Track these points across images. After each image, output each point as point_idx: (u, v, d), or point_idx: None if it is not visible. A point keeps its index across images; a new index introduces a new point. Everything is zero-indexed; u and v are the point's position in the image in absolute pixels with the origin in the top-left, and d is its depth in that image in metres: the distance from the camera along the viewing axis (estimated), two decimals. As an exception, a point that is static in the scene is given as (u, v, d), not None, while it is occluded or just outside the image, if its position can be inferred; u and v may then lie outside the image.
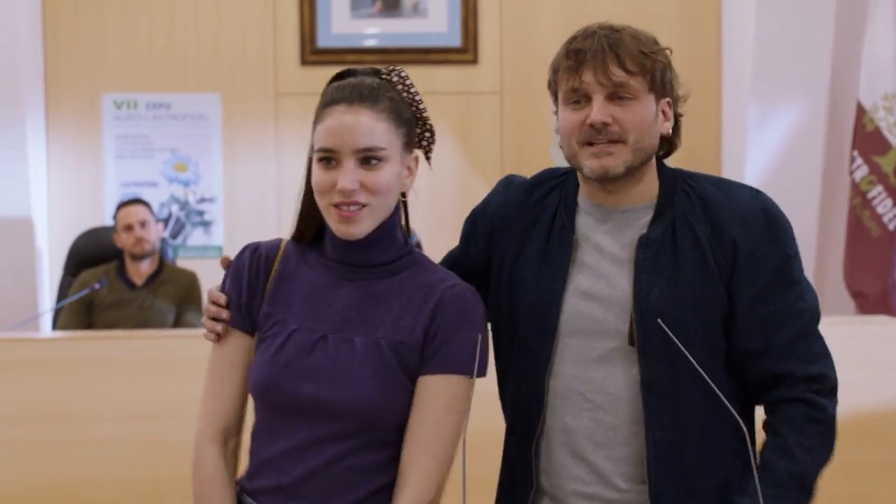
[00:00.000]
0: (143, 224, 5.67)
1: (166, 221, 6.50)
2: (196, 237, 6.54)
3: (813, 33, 6.14)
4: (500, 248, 2.44)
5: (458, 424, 2.24)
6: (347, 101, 2.22)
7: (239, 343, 2.33)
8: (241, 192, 6.54)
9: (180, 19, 6.57)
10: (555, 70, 2.32)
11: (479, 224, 2.49)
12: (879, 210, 6.00)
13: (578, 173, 2.37)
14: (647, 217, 2.32)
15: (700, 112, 6.62)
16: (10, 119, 6.12)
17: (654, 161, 2.35)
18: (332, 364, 2.24)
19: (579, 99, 2.28)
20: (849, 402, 4.21)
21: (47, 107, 6.51)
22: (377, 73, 2.33)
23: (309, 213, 2.32)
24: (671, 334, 2.21)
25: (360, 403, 2.22)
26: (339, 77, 2.33)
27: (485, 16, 6.52)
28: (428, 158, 2.39)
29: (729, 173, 6.52)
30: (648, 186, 2.34)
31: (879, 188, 5.99)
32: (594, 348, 2.30)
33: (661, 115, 2.32)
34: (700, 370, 2.18)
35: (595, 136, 2.26)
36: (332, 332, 2.27)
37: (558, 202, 2.40)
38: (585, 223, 2.36)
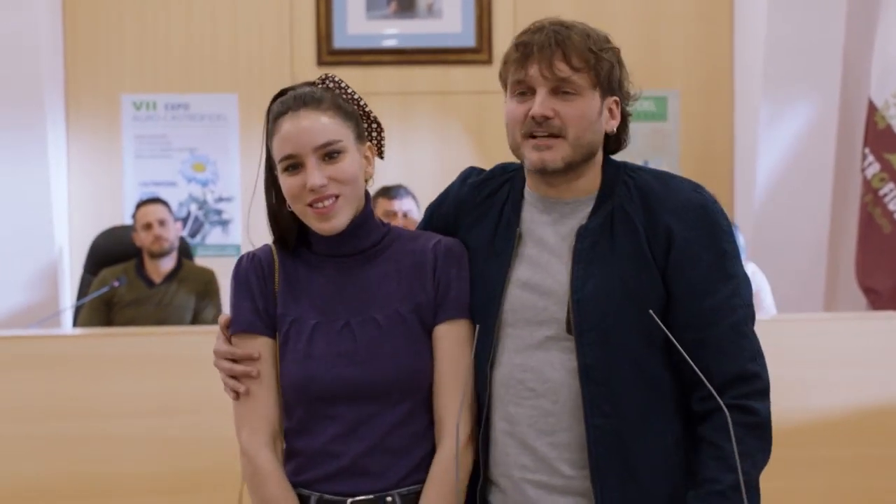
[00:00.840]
0: (161, 223, 5.72)
1: (185, 220, 6.54)
2: (214, 236, 6.57)
3: (824, 32, 6.15)
4: None
5: (471, 360, 2.37)
6: (293, 109, 2.34)
7: (267, 348, 2.40)
8: (259, 192, 6.53)
9: (198, 21, 6.61)
10: (504, 62, 2.35)
11: (435, 218, 2.55)
12: (891, 207, 6.00)
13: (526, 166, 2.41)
14: (588, 209, 2.35)
15: (713, 110, 6.65)
16: (31, 120, 6.16)
17: (598, 157, 2.37)
18: (364, 345, 2.35)
19: (524, 91, 2.31)
20: (859, 397, 4.31)
21: (67, 108, 6.56)
22: (312, 84, 2.41)
23: (282, 222, 2.41)
24: (660, 323, 2.25)
25: (401, 372, 2.34)
26: (278, 97, 2.42)
27: (499, 16, 6.55)
28: (381, 152, 2.48)
29: (741, 171, 6.57)
30: (590, 181, 2.36)
31: (891, 185, 6.00)
32: (533, 337, 2.33)
33: (606, 112, 2.35)
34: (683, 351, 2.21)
35: (536, 128, 2.29)
36: (353, 317, 2.37)
37: (506, 197, 2.44)
38: (530, 215, 2.40)
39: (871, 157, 6.05)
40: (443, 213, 2.53)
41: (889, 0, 6.03)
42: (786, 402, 4.27)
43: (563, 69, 2.28)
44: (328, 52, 6.54)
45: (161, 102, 6.58)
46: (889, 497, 4.35)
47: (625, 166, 2.40)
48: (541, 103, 2.28)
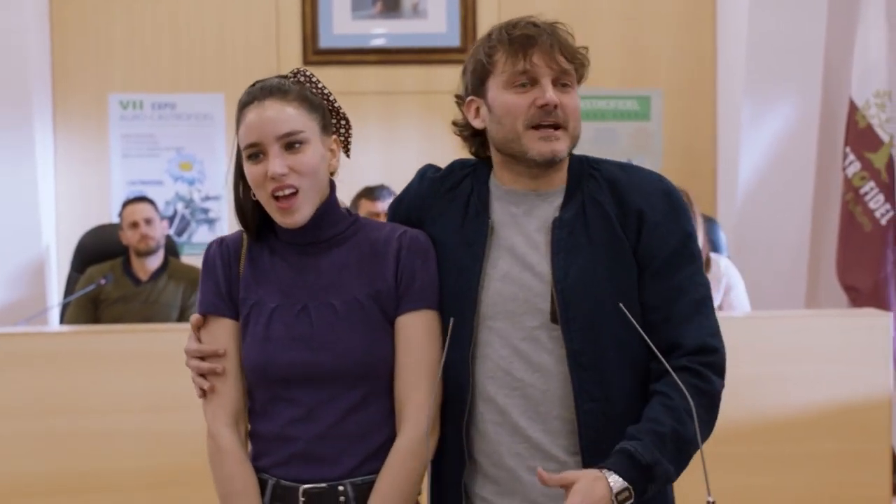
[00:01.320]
0: (148, 221, 5.73)
1: (172, 219, 6.54)
2: (201, 234, 6.56)
3: (806, 32, 6.17)
4: None
5: (438, 351, 2.41)
6: (259, 98, 2.38)
7: (229, 330, 2.45)
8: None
9: (185, 22, 6.60)
10: (489, 55, 2.39)
11: (397, 216, 2.58)
12: (871, 205, 6.03)
13: (499, 159, 2.45)
14: (558, 200, 2.42)
15: (696, 110, 6.66)
16: (18, 119, 6.16)
17: None
18: (319, 329, 2.39)
19: (526, 82, 2.36)
20: (837, 393, 4.33)
21: (55, 107, 6.55)
22: (283, 77, 2.46)
23: (247, 210, 2.45)
24: (630, 316, 2.31)
25: (355, 357, 2.38)
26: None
27: (483, 16, 6.56)
28: (347, 149, 2.53)
29: (724, 169, 6.59)
30: (562, 172, 2.44)
31: (871, 184, 6.03)
32: (518, 328, 2.38)
33: None
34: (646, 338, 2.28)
35: (545, 117, 2.35)
36: (311, 302, 2.41)
37: (470, 190, 2.49)
38: (500, 208, 2.45)
39: (851, 156, 6.08)
40: (403, 211, 2.57)
41: (869, 0, 6.05)
42: (766, 399, 4.36)
43: (563, 62, 2.36)
44: (314, 52, 6.55)
45: (148, 102, 6.58)
46: (868, 491, 4.38)
47: (587, 159, 2.48)
48: (552, 91, 2.35)
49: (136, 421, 4.17)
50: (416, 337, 2.41)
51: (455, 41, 6.57)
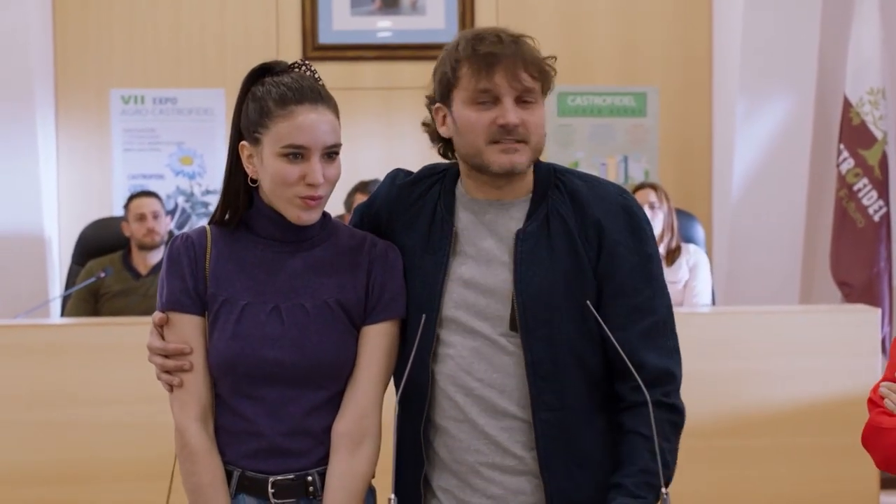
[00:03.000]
0: (155, 216, 5.75)
1: (172, 213, 6.54)
2: (201, 229, 6.54)
3: (800, 29, 6.19)
4: None
5: (393, 359, 2.49)
6: (311, 101, 2.38)
7: (195, 326, 2.45)
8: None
9: (186, 17, 6.63)
10: (454, 68, 2.39)
11: (365, 219, 2.60)
12: (865, 202, 6.06)
13: (465, 169, 2.48)
14: (522, 210, 2.45)
15: (691, 107, 6.69)
16: (20, 113, 6.18)
17: None
18: (290, 329, 2.42)
19: (487, 100, 2.38)
20: (826, 388, 4.38)
21: (57, 102, 6.57)
22: (292, 67, 2.47)
23: (239, 198, 2.46)
24: (596, 314, 2.37)
25: (324, 359, 2.42)
26: (263, 72, 2.46)
27: (481, 12, 6.58)
28: None
29: (719, 166, 6.62)
30: (527, 181, 2.47)
31: (865, 180, 6.06)
32: (478, 333, 2.43)
33: None
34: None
35: (504, 136, 2.38)
36: (282, 302, 2.44)
37: (437, 197, 2.52)
38: (465, 216, 2.48)
39: (845, 153, 6.10)
40: (373, 214, 2.59)
41: (863, -1, 6.06)
42: (756, 393, 4.40)
43: (526, 79, 2.37)
44: (313, 48, 6.58)
45: (149, 97, 6.58)
46: (857, 485, 4.46)
47: (554, 168, 2.51)
48: (513, 112, 2.37)
49: (135, 412, 4.23)
50: (380, 347, 2.46)
51: (453, 37, 6.48)
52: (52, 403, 4.27)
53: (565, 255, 2.42)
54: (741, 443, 4.40)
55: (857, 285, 6.06)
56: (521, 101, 2.39)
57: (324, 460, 2.44)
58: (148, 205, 5.78)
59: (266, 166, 2.39)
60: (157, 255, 5.79)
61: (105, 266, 5.67)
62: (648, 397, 2.27)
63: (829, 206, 6.29)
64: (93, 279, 5.58)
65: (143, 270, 5.78)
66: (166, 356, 2.44)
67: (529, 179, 2.48)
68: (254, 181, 2.44)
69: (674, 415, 2.40)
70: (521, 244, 2.43)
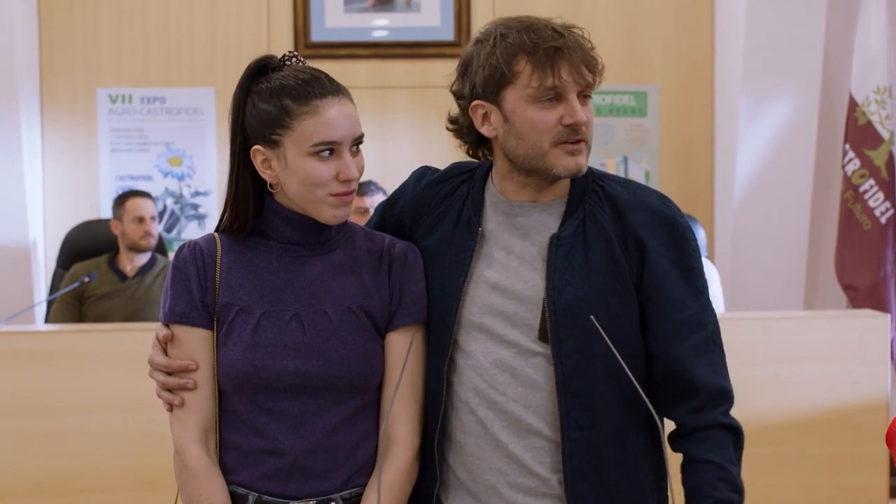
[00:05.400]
0: (152, 218, 5.74)
1: (161, 215, 6.47)
2: (190, 231, 6.53)
3: (805, 26, 6.12)
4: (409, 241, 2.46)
5: (424, 366, 2.37)
6: (333, 94, 2.27)
7: (201, 340, 2.32)
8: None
9: (175, 14, 6.57)
10: (508, 62, 2.25)
11: (388, 218, 2.50)
12: (871, 204, 5.99)
13: (505, 169, 2.35)
14: (556, 214, 2.33)
15: (693, 105, 6.64)
16: (4, 113, 6.12)
17: None
18: (312, 337, 2.29)
19: (552, 97, 2.25)
20: (833, 395, 4.32)
21: (42, 101, 6.52)
22: (284, 61, 2.35)
23: (249, 204, 2.33)
24: (602, 331, 2.22)
25: (349, 368, 2.29)
26: (261, 69, 2.34)
27: (477, 10, 6.51)
28: None
29: (721, 166, 6.56)
30: (564, 183, 2.34)
31: (871, 182, 5.98)
32: (504, 340, 2.30)
33: None
34: (626, 368, 2.18)
35: (571, 135, 2.25)
36: (302, 309, 2.31)
37: (465, 196, 2.40)
38: (494, 218, 2.36)
39: (851, 154, 6.03)
40: (396, 213, 2.48)
41: (869, -6, 6.00)
42: (763, 400, 4.37)
43: (587, 74, 2.25)
44: (306, 46, 6.52)
45: (137, 96, 6.55)
46: (864, 495, 4.38)
47: (591, 172, 2.37)
48: (580, 110, 2.25)
49: (120, 421, 4.15)
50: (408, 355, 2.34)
51: (449, 35, 6.53)
52: (37, 412, 4.19)
53: (603, 266, 2.29)
54: (746, 451, 4.23)
55: (863, 289, 5.99)
56: (582, 95, 2.27)
57: (348, 483, 2.31)
58: (147, 207, 5.75)
59: (293, 168, 2.26)
60: (144, 257, 5.77)
61: (90, 270, 5.62)
62: (713, 419, 2.23)
63: (835, 208, 6.21)
64: (76, 284, 5.53)
65: (129, 272, 5.74)
66: (168, 373, 2.31)
67: (566, 181, 2.35)
68: (272, 186, 2.31)
69: (737, 436, 2.30)
70: (556, 249, 2.29)
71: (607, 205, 2.32)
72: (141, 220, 5.69)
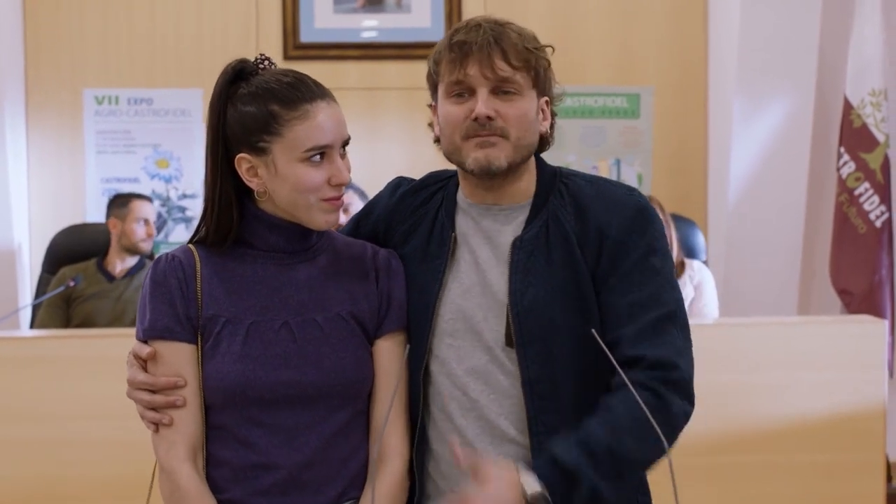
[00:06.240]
0: (154, 223, 5.81)
1: (148, 217, 6.50)
2: (178, 234, 6.52)
3: (799, 28, 6.11)
4: None
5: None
6: (321, 97, 2.23)
7: (186, 356, 2.26)
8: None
9: (162, 14, 6.54)
10: (436, 62, 2.29)
11: (362, 227, 2.48)
12: (866, 207, 5.95)
13: (459, 171, 2.36)
14: (523, 216, 2.31)
15: (686, 108, 6.64)
16: (-11, 114, 6.10)
17: (532, 159, 2.35)
18: (303, 346, 2.25)
19: (462, 92, 2.26)
20: (829, 402, 4.30)
21: (27, 102, 6.48)
22: (258, 63, 2.30)
23: (232, 213, 2.27)
24: (601, 342, 2.16)
25: (343, 376, 2.25)
26: (238, 75, 2.28)
27: (468, 11, 6.46)
28: None
29: (715, 168, 6.55)
30: (527, 184, 2.33)
31: (866, 185, 5.95)
32: (477, 347, 2.28)
33: (540, 112, 2.32)
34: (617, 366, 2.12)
35: (479, 129, 2.24)
36: (291, 317, 2.26)
37: (440, 203, 2.39)
38: (464, 222, 2.35)
39: (846, 157, 6.00)
40: (371, 223, 2.47)
41: (865, -4, 6.00)
42: (758, 407, 4.35)
43: (503, 68, 2.23)
44: (294, 47, 6.49)
45: (124, 97, 6.51)
46: (862, 502, 4.34)
47: (560, 172, 2.36)
48: (484, 103, 2.23)
49: (104, 428, 4.11)
50: (394, 362, 2.31)
51: (440, 36, 6.38)
52: (21, 419, 4.15)
53: (564, 265, 2.26)
54: (740, 459, 4.31)
55: (857, 293, 5.97)
56: (500, 91, 2.24)
57: (343, 496, 2.27)
58: (150, 210, 5.79)
59: (283, 175, 2.22)
60: (133, 259, 5.76)
61: (77, 273, 5.60)
62: (632, 378, 2.08)
63: (829, 212, 6.19)
64: (62, 288, 5.51)
65: (117, 274, 5.72)
66: (153, 391, 2.24)
67: (531, 183, 2.34)
68: (259, 194, 2.26)
69: (660, 402, 2.14)
70: (518, 252, 2.28)
71: (570, 202, 2.31)
72: (146, 222, 5.72)
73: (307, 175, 2.21)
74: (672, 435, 2.17)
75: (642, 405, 2.02)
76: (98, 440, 4.11)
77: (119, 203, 5.79)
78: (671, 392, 2.17)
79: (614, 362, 2.11)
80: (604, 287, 2.24)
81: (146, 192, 6.47)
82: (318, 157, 2.21)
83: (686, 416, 2.20)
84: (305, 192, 2.22)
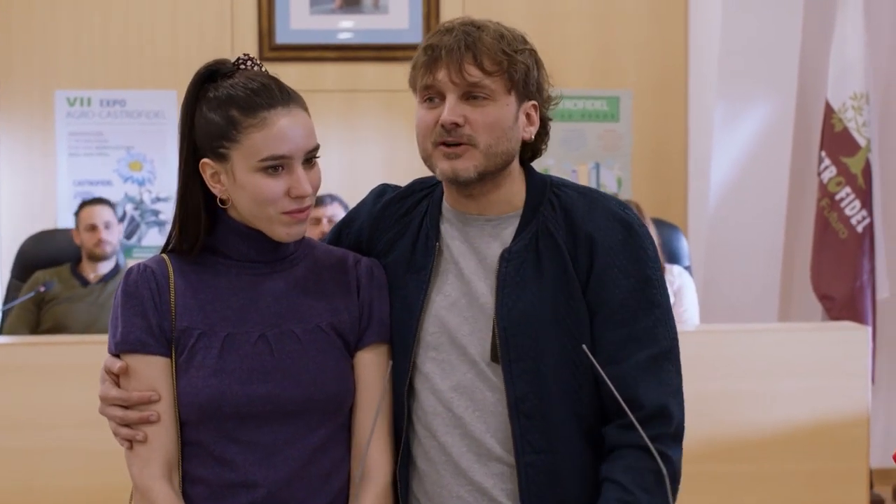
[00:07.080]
0: (106, 225, 5.66)
1: (121, 221, 6.37)
2: (151, 237, 6.49)
3: (780, 32, 6.10)
4: None
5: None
6: (282, 104, 2.15)
7: (160, 369, 2.18)
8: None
9: (135, 14, 6.50)
10: (413, 66, 2.22)
11: (344, 236, 2.41)
12: (847, 212, 5.95)
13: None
14: (512, 228, 2.24)
15: (666, 111, 6.64)
16: (-42, 115, 6.06)
17: (516, 167, 2.27)
18: (281, 359, 2.18)
19: (433, 97, 2.18)
20: (812, 410, 4.28)
21: (-3, 104, 6.47)
22: (238, 65, 2.23)
23: (200, 221, 2.20)
24: (591, 357, 2.09)
25: (324, 390, 2.18)
26: (209, 76, 2.22)
27: (446, 13, 6.45)
28: None
29: (695, 173, 6.54)
30: (512, 194, 2.26)
31: (847, 189, 5.95)
32: (460, 361, 2.22)
33: (523, 117, 2.23)
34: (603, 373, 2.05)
35: (445, 136, 2.17)
36: (268, 329, 2.20)
37: (425, 211, 2.32)
38: (449, 232, 2.29)
39: (827, 161, 6.00)
40: (354, 231, 2.39)
41: (846, 0, 5.97)
42: (740, 416, 4.31)
43: (473, 73, 2.15)
44: (270, 48, 6.46)
45: (96, 99, 6.48)
46: (843, 512, 4.37)
47: (550, 181, 2.29)
48: (451, 110, 2.15)
49: (75, 437, 4.07)
50: (376, 375, 2.24)
51: (417, 37, 6.44)
52: (-10, 428, 4.12)
53: (554, 278, 2.19)
54: (722, 468, 4.28)
55: (839, 299, 5.97)
56: (471, 97, 2.16)
57: None
58: (99, 214, 5.67)
59: (241, 184, 2.14)
60: (107, 265, 5.71)
61: (49, 278, 5.55)
62: (638, 439, 2.01)
63: (810, 216, 6.18)
64: (32, 293, 5.46)
65: (91, 278, 5.68)
66: (126, 406, 2.17)
67: (518, 193, 2.26)
68: (223, 201, 2.19)
69: (665, 464, 2.08)
70: (506, 264, 2.20)
71: (561, 214, 2.23)
72: (93, 227, 5.63)
73: (265, 185, 2.14)
74: (678, 485, 2.18)
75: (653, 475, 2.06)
76: (72, 449, 4.08)
77: (76, 213, 5.76)
78: (671, 447, 2.16)
79: (612, 389, 2.04)
80: (597, 314, 2.19)
81: (119, 194, 6.47)
82: (276, 167, 2.13)
83: (681, 457, 2.20)
84: (263, 204, 2.15)
